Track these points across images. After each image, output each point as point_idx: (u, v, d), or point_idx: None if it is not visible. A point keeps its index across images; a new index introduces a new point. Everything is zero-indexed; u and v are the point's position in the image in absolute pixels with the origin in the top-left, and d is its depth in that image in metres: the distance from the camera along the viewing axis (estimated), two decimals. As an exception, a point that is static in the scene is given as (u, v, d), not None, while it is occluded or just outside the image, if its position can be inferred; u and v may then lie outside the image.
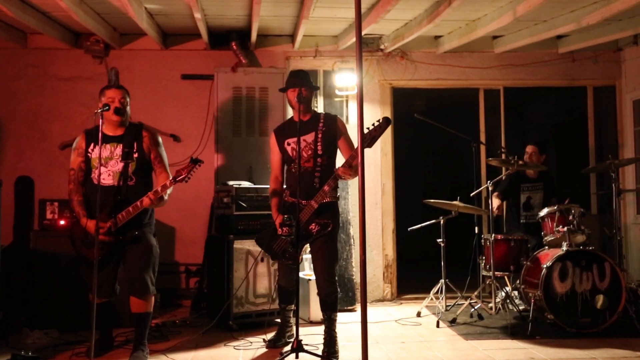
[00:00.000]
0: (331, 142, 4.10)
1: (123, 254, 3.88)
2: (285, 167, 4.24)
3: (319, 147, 4.05)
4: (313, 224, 3.96)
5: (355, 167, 3.84)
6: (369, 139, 3.71)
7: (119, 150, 3.88)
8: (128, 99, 3.96)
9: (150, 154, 3.95)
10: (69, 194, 3.94)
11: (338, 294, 4.07)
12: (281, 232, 3.94)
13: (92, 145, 3.91)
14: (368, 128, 3.72)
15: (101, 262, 3.80)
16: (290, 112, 4.39)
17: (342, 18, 5.51)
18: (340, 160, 4.12)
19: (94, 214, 3.67)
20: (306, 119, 4.11)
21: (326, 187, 3.90)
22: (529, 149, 5.64)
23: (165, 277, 5.54)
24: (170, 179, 3.73)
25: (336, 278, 4.06)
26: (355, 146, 4.00)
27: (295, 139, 4.06)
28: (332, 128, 4.11)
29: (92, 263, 3.59)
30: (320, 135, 4.06)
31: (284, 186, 4.23)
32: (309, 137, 4.06)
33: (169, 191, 3.80)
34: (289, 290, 4.28)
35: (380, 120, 3.76)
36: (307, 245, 4.21)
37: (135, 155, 3.89)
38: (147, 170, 3.97)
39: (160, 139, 4.05)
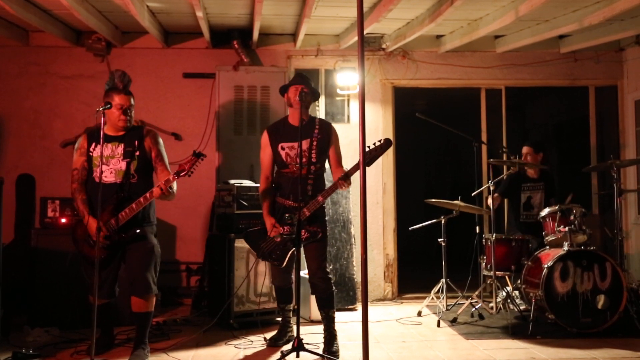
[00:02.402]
0: (324, 150, 4.12)
1: (124, 253, 3.88)
2: (276, 169, 4.23)
3: (314, 155, 4.05)
4: (303, 231, 3.95)
5: (350, 180, 3.88)
6: (368, 158, 3.72)
7: (120, 149, 3.91)
8: (133, 103, 4.00)
9: (152, 153, 3.97)
10: (73, 193, 3.94)
11: (333, 290, 4.08)
12: (282, 231, 3.95)
13: (93, 144, 3.93)
14: (369, 147, 3.72)
15: (103, 261, 3.80)
16: (288, 113, 4.38)
17: (344, 17, 5.51)
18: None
19: (96, 211, 3.67)
20: (303, 123, 4.07)
21: (320, 198, 3.92)
22: (524, 149, 5.63)
23: (166, 276, 5.54)
24: (174, 173, 3.75)
25: (330, 275, 4.08)
26: (350, 156, 4.03)
27: (290, 144, 4.07)
28: (326, 136, 4.12)
29: (94, 262, 3.58)
30: (315, 143, 4.06)
31: (273, 185, 4.22)
32: (304, 144, 4.04)
33: (174, 185, 3.82)
34: (284, 289, 4.28)
35: (382, 141, 3.78)
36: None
37: (137, 153, 3.92)
38: (148, 169, 3.99)
39: (160, 139, 4.08)
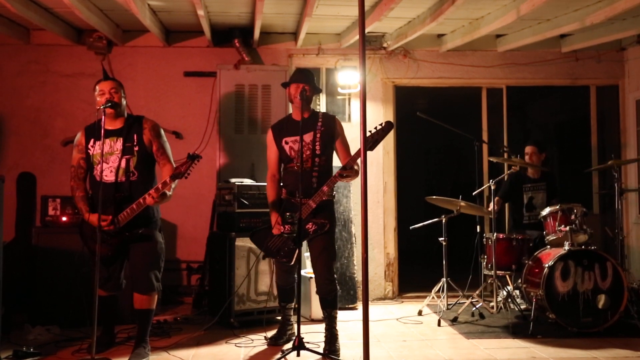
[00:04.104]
0: (329, 142, 4.11)
1: (128, 250, 3.88)
2: (283, 165, 4.23)
3: (317, 147, 4.05)
4: (310, 224, 3.96)
5: (357, 169, 3.86)
6: (370, 142, 3.73)
7: (119, 144, 3.86)
8: (122, 90, 3.93)
9: (152, 146, 3.91)
10: (71, 191, 3.94)
11: (338, 291, 4.08)
12: (283, 229, 3.95)
13: (92, 141, 3.89)
14: (370, 131, 3.73)
15: (111, 257, 3.83)
16: (291, 110, 4.39)
17: (345, 16, 5.51)
18: (336, 160, 4.14)
19: (97, 210, 3.65)
20: (305, 118, 4.10)
21: (325, 188, 3.92)
22: (528, 149, 5.63)
23: (167, 274, 5.51)
24: (169, 176, 3.70)
25: (335, 276, 4.07)
26: (351, 149, 4.05)
27: (293, 138, 4.07)
28: (330, 128, 4.11)
29: (102, 258, 3.63)
30: (318, 135, 4.06)
31: (281, 184, 4.22)
32: (307, 137, 4.06)
33: (173, 186, 3.78)
34: (286, 288, 4.28)
35: (383, 124, 3.77)
36: (304, 244, 4.22)
37: (136, 149, 3.86)
38: (149, 163, 3.95)
39: (162, 130, 4.01)
